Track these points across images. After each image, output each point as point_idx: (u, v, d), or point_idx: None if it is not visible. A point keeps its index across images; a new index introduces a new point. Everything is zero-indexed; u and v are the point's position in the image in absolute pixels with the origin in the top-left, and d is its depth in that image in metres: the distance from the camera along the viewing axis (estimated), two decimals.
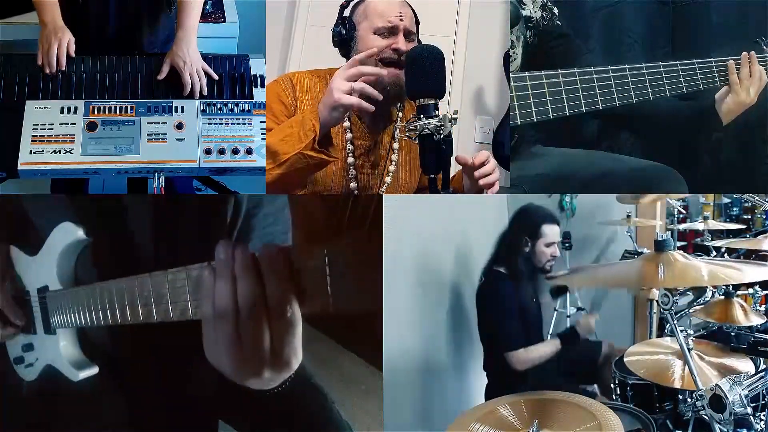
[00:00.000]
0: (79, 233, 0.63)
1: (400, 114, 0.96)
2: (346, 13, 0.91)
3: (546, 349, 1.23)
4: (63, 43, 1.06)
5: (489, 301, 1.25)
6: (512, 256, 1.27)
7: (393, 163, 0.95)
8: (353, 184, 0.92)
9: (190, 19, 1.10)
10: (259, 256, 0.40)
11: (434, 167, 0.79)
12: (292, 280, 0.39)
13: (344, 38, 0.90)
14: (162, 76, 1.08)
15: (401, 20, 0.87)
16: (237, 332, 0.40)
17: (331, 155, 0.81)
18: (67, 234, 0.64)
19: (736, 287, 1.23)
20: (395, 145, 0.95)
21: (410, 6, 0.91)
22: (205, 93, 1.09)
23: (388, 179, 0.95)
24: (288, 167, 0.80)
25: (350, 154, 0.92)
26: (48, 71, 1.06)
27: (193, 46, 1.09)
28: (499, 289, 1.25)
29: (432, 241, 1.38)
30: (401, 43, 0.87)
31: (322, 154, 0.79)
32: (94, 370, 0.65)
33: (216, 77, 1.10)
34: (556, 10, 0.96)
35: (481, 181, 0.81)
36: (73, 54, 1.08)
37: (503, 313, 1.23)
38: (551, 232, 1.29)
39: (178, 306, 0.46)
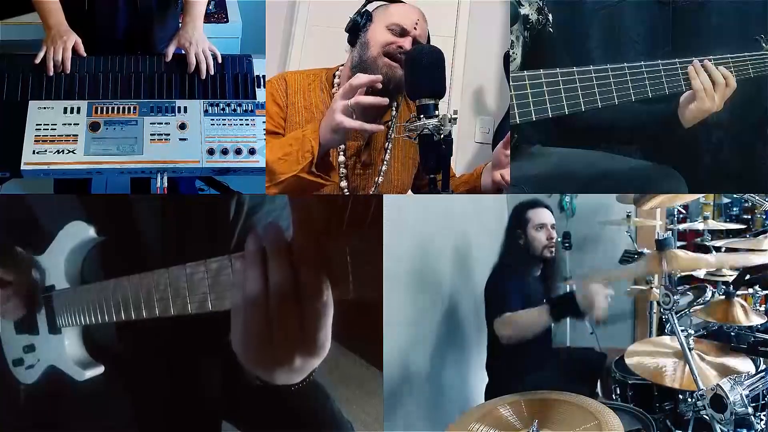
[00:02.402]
0: (90, 232, 0.63)
1: (395, 113, 0.96)
2: (369, 8, 0.92)
3: (533, 315, 1.02)
4: (68, 45, 1.07)
5: (491, 294, 1.24)
6: (512, 251, 1.27)
7: (385, 163, 0.95)
8: (344, 183, 0.92)
9: (196, 6, 1.13)
10: (294, 241, 0.40)
11: (434, 167, 0.79)
12: (325, 265, 0.39)
13: (357, 25, 0.91)
14: (168, 58, 1.09)
15: (415, 28, 0.90)
16: (269, 320, 0.40)
17: (328, 179, 0.81)
18: (78, 233, 0.64)
19: (737, 287, 1.23)
20: (388, 145, 0.95)
21: (426, 23, 0.93)
22: (212, 72, 1.10)
23: (378, 179, 0.95)
24: (284, 188, 0.80)
25: (341, 153, 0.91)
26: (50, 73, 1.06)
27: (199, 28, 1.12)
28: (500, 281, 1.24)
29: (432, 241, 1.38)
30: (407, 44, 0.88)
31: (318, 178, 0.79)
32: (99, 370, 0.65)
33: (220, 59, 1.12)
34: (551, 17, 0.96)
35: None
36: (83, 54, 1.09)
37: (503, 298, 1.18)
38: (536, 215, 1.26)
39: (196, 299, 0.46)
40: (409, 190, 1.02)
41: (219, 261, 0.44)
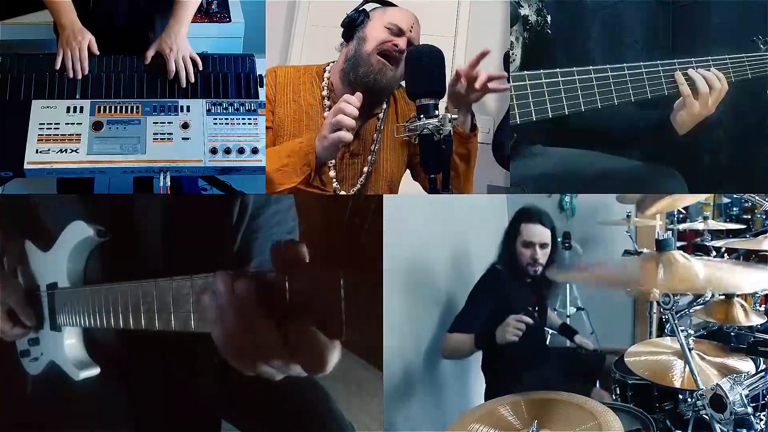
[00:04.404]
0: (91, 233, 0.64)
1: (385, 107, 0.97)
2: (367, 7, 0.94)
3: (460, 339, 1.12)
4: (84, 45, 1.06)
5: (471, 295, 1.23)
6: (503, 256, 1.25)
7: (371, 153, 0.96)
8: (332, 173, 0.93)
9: (183, 11, 1.10)
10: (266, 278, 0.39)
11: (434, 167, 0.79)
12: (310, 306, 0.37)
13: (353, 22, 0.93)
14: (147, 61, 1.08)
15: (411, 30, 0.92)
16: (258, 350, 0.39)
17: (325, 190, 0.84)
18: (79, 233, 0.65)
19: None
20: (375, 136, 0.96)
21: (419, 27, 0.95)
22: (192, 80, 1.08)
23: (366, 169, 0.95)
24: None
25: None
26: (71, 75, 1.06)
27: (182, 34, 1.09)
28: (484, 282, 1.24)
29: (432, 241, 1.38)
30: (403, 43, 0.90)
31: (316, 189, 0.82)
32: (95, 371, 0.66)
33: (201, 66, 1.10)
34: (549, 19, 0.97)
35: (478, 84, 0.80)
36: (97, 52, 1.08)
37: (469, 298, 1.21)
38: (527, 231, 1.22)
39: (180, 316, 0.45)
40: (410, 189, 1.03)
41: (204, 278, 0.42)
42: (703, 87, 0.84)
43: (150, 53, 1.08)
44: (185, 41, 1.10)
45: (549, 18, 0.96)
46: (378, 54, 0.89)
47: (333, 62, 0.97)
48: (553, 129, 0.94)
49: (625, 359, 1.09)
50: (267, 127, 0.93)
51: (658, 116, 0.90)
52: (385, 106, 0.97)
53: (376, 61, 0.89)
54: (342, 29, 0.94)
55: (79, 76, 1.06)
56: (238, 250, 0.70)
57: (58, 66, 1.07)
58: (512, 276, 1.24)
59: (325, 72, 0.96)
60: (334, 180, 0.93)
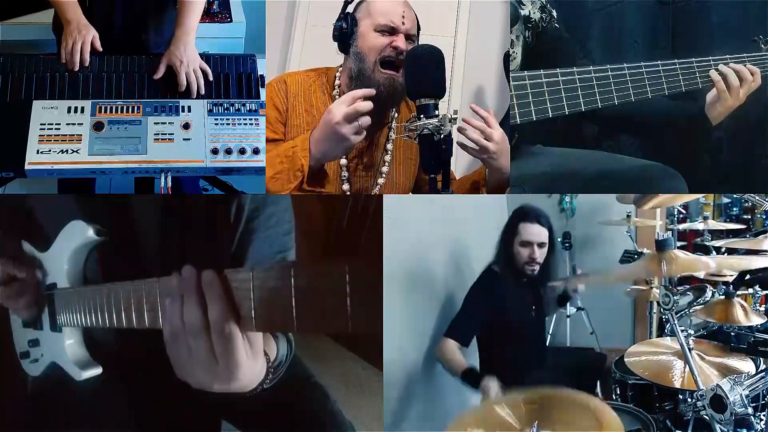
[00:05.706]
0: (90, 233, 0.64)
1: (396, 115, 0.96)
2: (350, 9, 0.91)
3: (456, 359, 1.10)
4: (87, 40, 1.06)
5: (467, 296, 1.22)
6: (500, 257, 1.24)
7: (386, 164, 0.95)
8: (345, 186, 0.92)
9: (189, 19, 1.10)
10: (203, 281, 0.43)
11: (434, 167, 0.80)
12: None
13: (344, 32, 0.90)
14: (158, 75, 1.08)
15: (403, 23, 0.88)
16: (186, 351, 0.45)
17: (322, 191, 0.82)
18: (78, 233, 0.65)
19: (737, 287, 1.23)
20: (389, 146, 0.95)
21: (413, 10, 0.92)
22: (203, 92, 1.09)
23: (381, 180, 0.95)
24: None
25: (343, 156, 0.91)
26: (71, 68, 1.06)
27: (191, 45, 1.09)
28: (480, 284, 1.23)
29: (432, 241, 1.38)
30: (401, 42, 0.87)
31: (310, 192, 0.80)
32: (97, 371, 0.66)
33: (211, 77, 1.10)
34: (555, 13, 0.97)
35: (469, 134, 0.80)
36: (100, 49, 1.08)
37: (464, 302, 1.20)
38: (524, 230, 1.20)
39: None
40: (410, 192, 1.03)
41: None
42: (734, 81, 0.88)
43: (161, 68, 1.08)
44: (195, 53, 1.09)
45: (554, 12, 0.96)
46: (380, 65, 0.86)
47: (341, 66, 0.95)
48: (583, 116, 0.90)
49: (625, 359, 1.09)
50: (278, 140, 0.90)
51: (692, 108, 0.91)
52: (396, 114, 0.95)
53: (381, 76, 0.86)
54: (336, 43, 0.91)
55: (77, 68, 1.06)
56: (235, 251, 0.70)
57: (62, 59, 1.06)
58: (509, 276, 1.23)
59: (336, 79, 0.94)
60: (348, 194, 0.92)
